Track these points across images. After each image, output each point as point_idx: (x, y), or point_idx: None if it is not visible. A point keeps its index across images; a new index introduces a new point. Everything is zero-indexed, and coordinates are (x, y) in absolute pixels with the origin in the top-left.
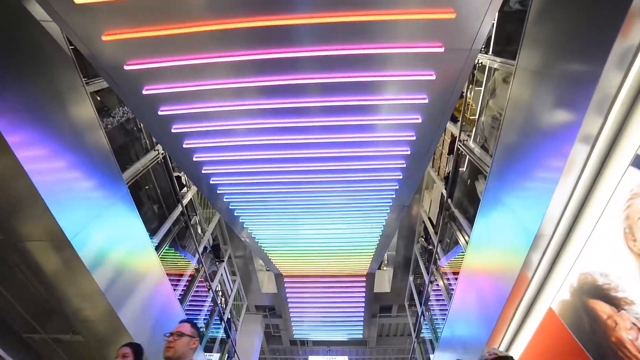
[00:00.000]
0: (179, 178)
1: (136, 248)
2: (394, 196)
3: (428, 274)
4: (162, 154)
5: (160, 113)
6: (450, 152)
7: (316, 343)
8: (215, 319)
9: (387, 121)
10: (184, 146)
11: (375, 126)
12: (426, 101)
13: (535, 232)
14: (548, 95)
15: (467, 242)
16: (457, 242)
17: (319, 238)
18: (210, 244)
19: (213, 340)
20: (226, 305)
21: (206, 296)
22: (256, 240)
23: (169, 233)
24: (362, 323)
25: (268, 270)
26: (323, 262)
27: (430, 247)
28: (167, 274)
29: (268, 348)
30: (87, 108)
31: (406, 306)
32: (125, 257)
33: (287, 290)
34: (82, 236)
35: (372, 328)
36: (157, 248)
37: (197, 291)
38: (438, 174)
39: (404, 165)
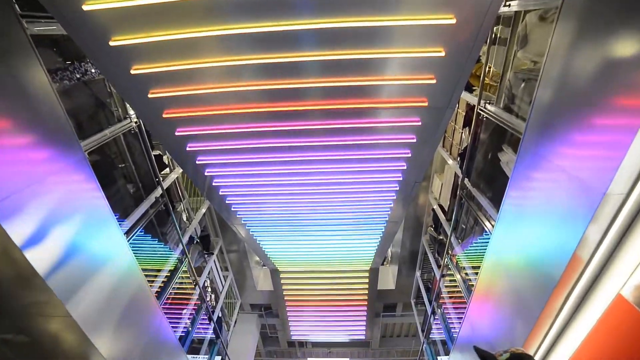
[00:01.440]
0: (159, 157)
1: (95, 227)
2: (403, 173)
3: (439, 267)
4: (136, 122)
5: (150, 96)
6: (466, 124)
7: (315, 344)
8: (203, 318)
9: (399, 82)
10: (177, 134)
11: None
12: (443, 54)
13: (604, 191)
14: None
15: (492, 224)
16: (476, 227)
17: (319, 228)
18: (198, 235)
19: (201, 341)
20: (216, 302)
21: (191, 292)
22: (251, 232)
23: (144, 217)
24: (364, 323)
25: (264, 266)
26: (323, 255)
27: (441, 237)
28: (141, 263)
29: (264, 350)
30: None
31: (412, 304)
32: (79, 235)
33: (284, 287)
34: (10, 202)
35: (375, 328)
36: (128, 233)
37: (180, 285)
38: (450, 153)
39: (414, 141)
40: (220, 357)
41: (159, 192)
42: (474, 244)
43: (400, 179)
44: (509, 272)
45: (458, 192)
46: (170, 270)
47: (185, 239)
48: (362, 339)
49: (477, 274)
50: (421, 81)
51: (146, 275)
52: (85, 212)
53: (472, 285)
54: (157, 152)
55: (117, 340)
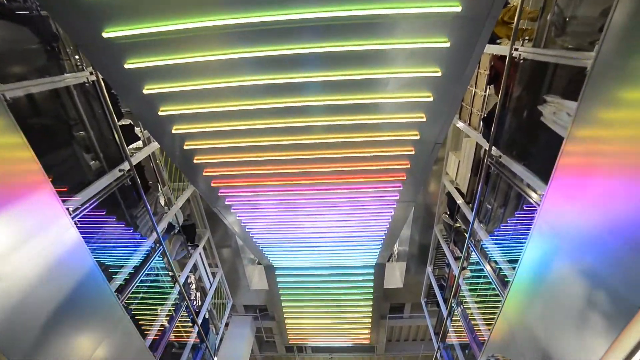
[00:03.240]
0: (130, 128)
1: (21, 195)
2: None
3: (457, 260)
4: (92, 73)
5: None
6: (492, 81)
7: (316, 349)
8: (184, 319)
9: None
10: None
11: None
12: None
13: None
14: None
15: (537, 195)
16: (508, 204)
17: (319, 213)
18: (180, 224)
19: (182, 346)
20: (202, 303)
21: (170, 288)
22: (242, 223)
23: (103, 193)
24: (369, 325)
25: (259, 264)
26: (323, 247)
27: (458, 225)
28: (96, 248)
29: (260, 355)
30: None
31: (423, 304)
32: None
33: (280, 285)
34: None
35: (380, 331)
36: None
37: (155, 280)
38: (469, 124)
39: (430, 98)
40: None
41: (126, 166)
42: (508, 226)
43: (417, 137)
44: (575, 255)
45: (482, 167)
46: (140, 261)
47: (161, 226)
48: (366, 343)
49: (516, 262)
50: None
51: (105, 265)
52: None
53: (508, 276)
54: (127, 122)
55: (54, 345)
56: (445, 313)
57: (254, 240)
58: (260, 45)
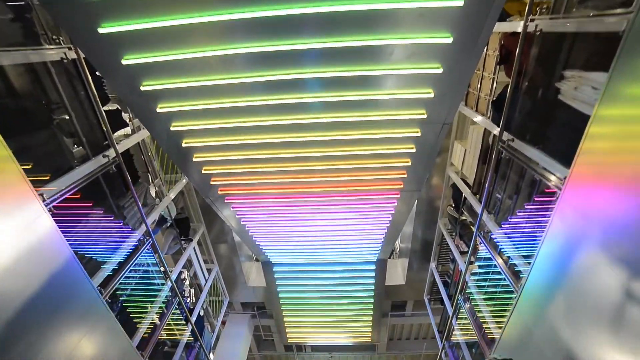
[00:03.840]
0: (117, 113)
1: None
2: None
3: (464, 254)
4: (71, 48)
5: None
6: (503, 61)
7: (315, 348)
8: (177, 316)
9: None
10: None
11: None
12: None
13: None
14: None
15: (555, 178)
16: (521, 192)
17: (319, 208)
18: (172, 217)
19: (175, 344)
20: (196, 300)
21: (158, 284)
22: (238, 216)
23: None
24: (370, 324)
25: (257, 260)
26: (323, 243)
27: (464, 218)
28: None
29: (259, 354)
30: None
31: (426, 301)
32: None
33: (278, 282)
34: None
35: (382, 330)
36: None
37: (142, 275)
38: (477, 110)
39: (440, 70)
40: None
41: (111, 153)
42: (521, 214)
43: (424, 116)
44: (608, 241)
45: (491, 154)
46: (127, 254)
47: (151, 218)
48: (367, 342)
49: (531, 253)
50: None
51: (88, 258)
52: None
53: (522, 269)
54: (114, 107)
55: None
56: (450, 310)
57: (251, 234)
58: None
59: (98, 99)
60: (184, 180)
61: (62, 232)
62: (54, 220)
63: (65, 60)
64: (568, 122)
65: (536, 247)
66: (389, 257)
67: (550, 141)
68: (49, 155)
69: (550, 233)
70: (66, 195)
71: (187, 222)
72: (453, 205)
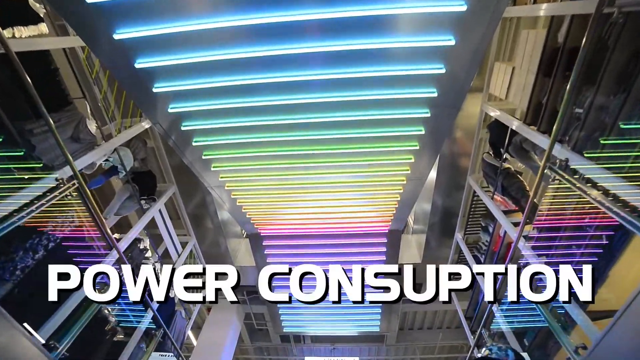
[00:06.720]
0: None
1: None
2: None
3: (509, 214)
4: None
5: None
6: None
7: (316, 339)
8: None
9: None
10: None
11: None
12: None
13: None
14: None
15: None
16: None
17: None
18: (128, 169)
19: (130, 333)
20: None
21: (103, 251)
22: (221, 178)
23: None
24: (379, 311)
25: (246, 237)
26: (324, 209)
27: (508, 166)
28: None
29: (252, 346)
30: None
31: None
32: None
33: (269, 259)
34: None
35: (392, 318)
36: None
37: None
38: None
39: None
40: (166, 354)
41: None
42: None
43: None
44: None
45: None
46: (30, 200)
47: (86, 159)
48: (375, 332)
49: None
50: None
51: None
52: None
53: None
54: None
55: None
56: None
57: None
58: None
59: None
60: (144, 124)
61: None
62: None
63: None
64: None
65: None
66: (402, 232)
67: None
68: None
69: None
70: None
71: (153, 179)
72: (491, 152)
